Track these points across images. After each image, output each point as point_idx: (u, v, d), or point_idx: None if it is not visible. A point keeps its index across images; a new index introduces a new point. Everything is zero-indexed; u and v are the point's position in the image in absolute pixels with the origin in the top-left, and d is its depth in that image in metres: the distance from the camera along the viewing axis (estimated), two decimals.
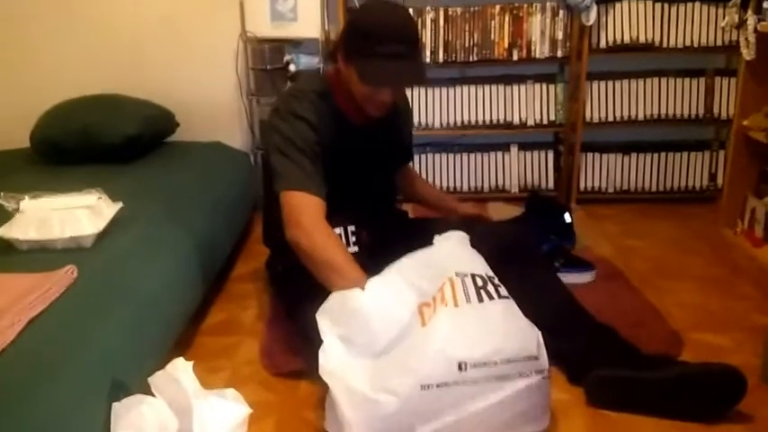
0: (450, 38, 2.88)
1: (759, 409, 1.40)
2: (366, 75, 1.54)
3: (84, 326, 1.24)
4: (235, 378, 1.63)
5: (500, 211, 2.71)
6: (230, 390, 1.27)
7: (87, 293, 1.33)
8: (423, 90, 2.99)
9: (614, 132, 3.01)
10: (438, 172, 3.09)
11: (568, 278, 1.95)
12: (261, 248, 2.03)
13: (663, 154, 3.00)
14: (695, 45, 2.83)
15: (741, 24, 2.37)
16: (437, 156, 3.08)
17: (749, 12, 2.31)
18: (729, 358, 1.51)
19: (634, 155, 3.00)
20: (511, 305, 1.34)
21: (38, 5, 2.86)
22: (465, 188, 3.09)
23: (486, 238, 1.75)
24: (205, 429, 1.17)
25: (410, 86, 1.66)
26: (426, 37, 2.87)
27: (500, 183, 3.08)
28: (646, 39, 2.81)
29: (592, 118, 2.95)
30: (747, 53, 2.32)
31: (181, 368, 1.23)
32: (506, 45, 2.87)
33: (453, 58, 2.90)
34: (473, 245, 1.58)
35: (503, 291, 1.36)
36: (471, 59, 2.89)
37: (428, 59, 2.88)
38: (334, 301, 1.37)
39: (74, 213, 1.54)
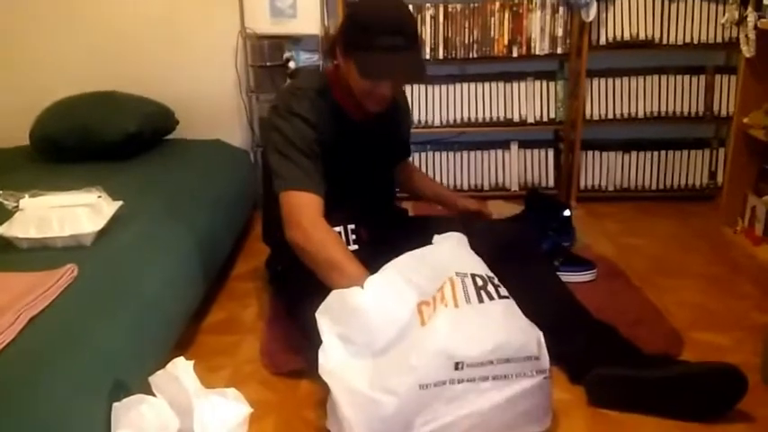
0: (449, 34, 2.87)
1: (759, 408, 1.40)
2: (366, 68, 1.54)
3: (84, 325, 1.24)
4: (235, 377, 1.63)
5: (500, 209, 2.71)
6: (231, 389, 1.27)
7: (87, 292, 1.33)
8: (422, 87, 2.98)
9: (614, 130, 3.01)
10: (438, 170, 3.08)
11: (568, 277, 1.95)
12: (261, 247, 2.02)
13: (663, 152, 2.99)
14: (695, 42, 2.83)
15: (741, 21, 2.37)
16: (437, 154, 3.08)
17: (749, 8, 2.32)
18: (729, 357, 1.51)
19: (634, 153, 3.00)
20: (511, 305, 1.34)
21: (38, 3, 2.85)
22: (465, 186, 3.08)
23: (485, 237, 1.75)
24: (206, 429, 1.17)
25: (410, 81, 1.67)
26: (426, 33, 2.86)
27: (500, 181, 3.08)
28: (646, 36, 2.81)
29: (592, 115, 2.95)
30: (747, 50, 2.33)
31: (181, 367, 1.23)
32: (506, 42, 2.87)
33: (453, 55, 2.89)
34: (473, 243, 1.58)
35: (503, 291, 1.36)
36: (471, 56, 2.89)
37: (428, 56, 2.87)
38: (333, 300, 1.36)
39: (74, 211, 1.54)
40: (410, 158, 2.15)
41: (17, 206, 1.55)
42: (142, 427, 1.15)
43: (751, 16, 2.29)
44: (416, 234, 1.76)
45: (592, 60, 2.84)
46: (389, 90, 1.60)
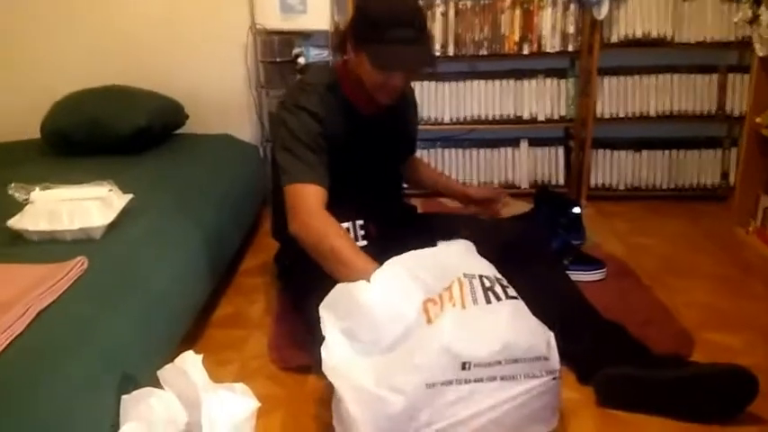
0: (460, 31, 2.86)
1: None
2: (378, 60, 1.54)
3: (93, 318, 1.24)
4: (243, 371, 1.63)
5: (510, 207, 2.70)
6: (239, 384, 1.26)
7: (97, 285, 1.33)
8: (432, 84, 2.97)
9: (625, 128, 2.99)
10: (447, 167, 3.07)
11: (578, 276, 1.94)
12: (270, 242, 2.03)
13: (674, 151, 2.97)
14: (708, 41, 2.81)
15: (754, 20, 2.35)
16: (446, 151, 3.07)
17: (762, 7, 2.29)
18: (740, 359, 1.50)
19: (645, 151, 2.98)
20: (520, 305, 1.33)
21: None
22: (474, 183, 3.07)
23: (494, 235, 1.75)
24: (214, 423, 1.17)
25: (421, 70, 1.69)
26: (436, 30, 2.85)
27: (510, 178, 3.07)
28: (658, 34, 2.79)
29: (603, 114, 2.93)
30: (760, 49, 2.30)
31: (190, 362, 1.22)
32: (517, 39, 2.85)
33: (463, 52, 2.88)
34: (481, 241, 1.58)
35: (511, 291, 1.34)
36: (481, 53, 2.88)
37: (438, 53, 2.86)
38: (338, 294, 1.34)
39: (84, 205, 1.54)
40: (416, 154, 2.14)
41: (28, 199, 1.56)
42: (151, 420, 1.15)
43: (764, 15, 2.26)
44: (426, 231, 1.76)
45: (603, 58, 2.83)
46: (401, 81, 1.60)
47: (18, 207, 1.56)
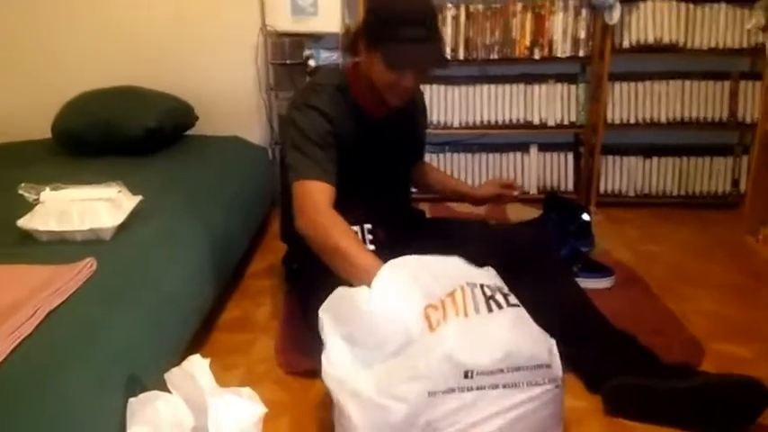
0: (470, 35, 2.86)
1: None
2: (391, 59, 1.54)
3: (101, 320, 1.24)
4: (249, 376, 1.63)
5: (518, 213, 2.69)
6: (246, 388, 1.26)
7: (106, 287, 1.33)
8: (442, 88, 2.97)
9: (636, 135, 2.98)
10: (456, 172, 3.07)
11: (587, 283, 1.93)
12: (278, 244, 2.02)
13: (685, 158, 2.96)
14: (720, 47, 2.79)
15: (767, 27, 2.33)
16: (456, 155, 3.07)
17: None
18: (750, 369, 1.48)
19: (655, 158, 2.97)
20: (521, 313, 1.31)
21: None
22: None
23: (504, 241, 1.74)
24: (220, 427, 1.16)
25: (433, 69, 1.68)
26: (447, 34, 2.85)
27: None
28: (670, 40, 2.77)
29: (613, 119, 2.92)
30: None
31: (197, 365, 1.22)
32: (528, 43, 2.84)
33: (474, 56, 2.88)
34: (491, 247, 1.57)
35: (512, 299, 1.32)
36: (492, 58, 2.87)
37: (448, 56, 2.85)
38: (338, 299, 1.33)
39: (93, 205, 1.54)
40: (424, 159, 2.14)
41: (38, 199, 1.56)
42: (157, 424, 1.15)
43: None
44: (434, 236, 1.76)
45: (614, 64, 2.81)
46: (413, 82, 1.60)
47: (28, 207, 1.56)
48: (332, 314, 1.33)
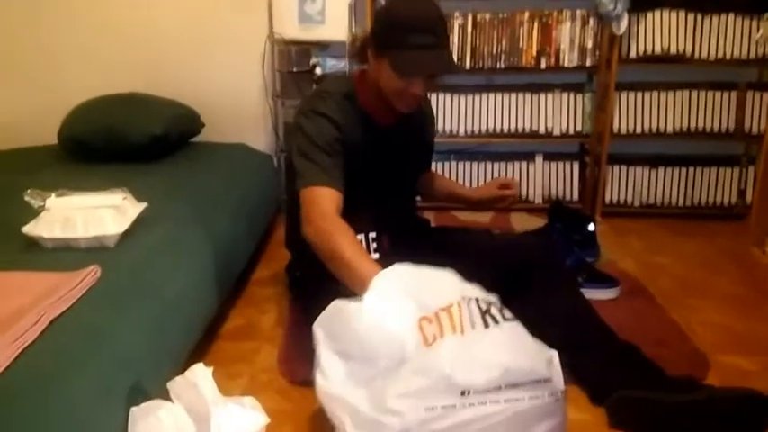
0: (477, 44, 2.86)
1: None
2: (400, 66, 1.54)
3: (106, 327, 1.24)
4: (252, 385, 1.62)
5: (523, 223, 2.69)
6: (249, 398, 1.26)
7: (110, 294, 1.33)
8: (448, 96, 2.97)
9: (642, 145, 2.97)
10: (462, 180, 3.06)
11: (591, 294, 1.92)
12: (282, 252, 2.02)
13: (691, 168, 2.95)
14: (727, 58, 2.78)
15: None
16: (461, 164, 3.06)
17: None
18: (756, 383, 1.48)
19: (661, 168, 2.96)
20: (517, 328, 1.29)
21: (68, 5, 2.89)
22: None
23: (508, 251, 1.74)
24: None
25: (442, 76, 1.68)
26: (454, 43, 2.85)
27: (524, 193, 3.05)
28: (677, 50, 2.77)
29: (619, 129, 2.91)
30: None
31: (200, 374, 1.22)
32: (534, 53, 2.84)
33: (480, 65, 2.88)
34: (495, 256, 1.56)
35: (507, 313, 1.30)
36: (499, 66, 2.87)
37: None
38: (332, 314, 1.32)
39: (98, 213, 1.55)
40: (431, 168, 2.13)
41: (43, 205, 1.57)
42: None
43: None
44: (438, 245, 1.76)
45: (621, 73, 2.81)
46: (421, 89, 1.60)
47: (33, 214, 1.57)
48: (326, 329, 1.33)
